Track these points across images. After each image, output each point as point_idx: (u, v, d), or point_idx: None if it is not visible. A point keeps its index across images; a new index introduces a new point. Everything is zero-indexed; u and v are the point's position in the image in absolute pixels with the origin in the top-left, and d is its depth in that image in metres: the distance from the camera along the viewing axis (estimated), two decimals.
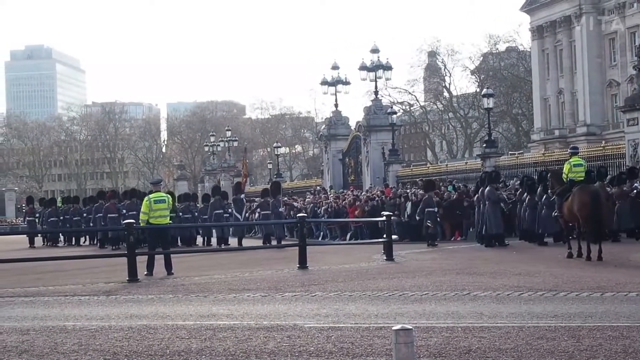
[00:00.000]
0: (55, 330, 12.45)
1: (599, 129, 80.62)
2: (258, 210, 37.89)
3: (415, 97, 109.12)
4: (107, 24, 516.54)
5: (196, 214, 38.50)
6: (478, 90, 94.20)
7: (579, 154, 25.58)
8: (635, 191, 28.88)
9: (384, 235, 24.98)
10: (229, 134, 76.95)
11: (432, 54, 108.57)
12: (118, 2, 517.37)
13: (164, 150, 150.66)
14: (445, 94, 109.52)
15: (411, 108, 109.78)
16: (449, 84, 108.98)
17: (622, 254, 23.09)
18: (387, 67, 50.54)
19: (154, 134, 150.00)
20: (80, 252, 36.94)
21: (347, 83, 55.64)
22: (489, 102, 44.31)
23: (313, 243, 32.87)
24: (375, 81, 51.22)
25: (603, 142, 45.33)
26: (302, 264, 22.31)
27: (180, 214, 37.15)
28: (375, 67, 50.22)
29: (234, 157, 76.47)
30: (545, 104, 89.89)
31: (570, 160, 23.46)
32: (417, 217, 32.73)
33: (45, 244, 45.00)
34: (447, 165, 51.86)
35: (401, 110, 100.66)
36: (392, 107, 56.06)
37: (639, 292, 14.59)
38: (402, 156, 62.24)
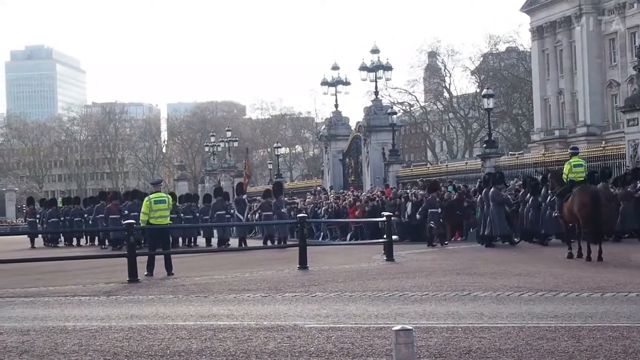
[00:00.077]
0: (56, 331, 12.45)
1: (599, 130, 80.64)
2: (260, 211, 37.82)
3: (416, 97, 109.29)
4: (107, 24, 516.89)
5: (197, 214, 38.52)
6: (478, 90, 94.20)
7: (579, 154, 25.57)
8: None
9: (384, 236, 24.98)
10: (229, 134, 76.94)
11: (432, 55, 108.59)
12: (118, 2, 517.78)
13: (164, 150, 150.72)
14: (446, 94, 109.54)
15: (411, 108, 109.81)
16: (449, 85, 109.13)
17: (622, 254, 23.11)
18: (387, 68, 50.54)
19: (154, 135, 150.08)
20: (81, 252, 36.98)
21: (347, 83, 55.65)
22: (489, 103, 44.32)
23: (313, 243, 32.89)
24: (376, 81, 51.23)
25: (603, 142, 45.34)
26: (303, 264, 22.31)
27: (182, 214, 37.20)
28: (376, 68, 50.22)
29: (234, 157, 76.51)
30: (546, 105, 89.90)
31: (571, 160, 23.45)
32: (418, 216, 32.62)
33: (46, 244, 45.00)
34: (447, 165, 51.86)
35: (401, 111, 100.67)
36: (392, 108, 56.05)
37: (639, 293, 14.59)
38: (402, 156, 62.23)
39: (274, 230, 35.09)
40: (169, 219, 23.34)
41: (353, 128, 54.18)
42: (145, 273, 21.44)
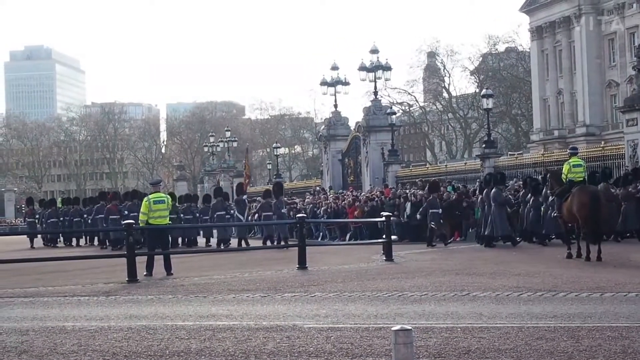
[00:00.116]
0: (55, 331, 12.45)
1: (598, 130, 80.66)
2: (261, 212, 37.77)
3: (415, 97, 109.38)
4: (106, 25, 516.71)
5: (197, 215, 38.53)
6: (477, 90, 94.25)
7: (578, 154, 25.57)
8: None
9: (384, 236, 24.99)
10: (228, 134, 76.93)
11: (432, 55, 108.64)
12: (118, 2, 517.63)
13: (163, 150, 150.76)
14: (445, 94, 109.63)
15: (410, 108, 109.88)
16: (449, 85, 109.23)
17: (621, 254, 23.11)
18: (387, 68, 50.53)
19: (153, 135, 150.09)
20: (80, 252, 36.98)
21: (346, 83, 55.64)
22: (488, 103, 44.30)
23: (312, 243, 32.87)
24: (375, 82, 51.24)
25: (602, 142, 45.33)
26: (302, 264, 22.31)
27: (182, 214, 37.22)
28: (375, 68, 50.20)
29: (234, 157, 76.49)
30: (545, 105, 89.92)
31: (570, 160, 23.45)
32: (419, 217, 32.56)
33: (45, 244, 44.99)
34: (446, 165, 51.83)
35: (400, 111, 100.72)
36: (391, 108, 55.99)
37: (638, 293, 14.59)
38: (402, 157, 62.26)
39: (273, 231, 35.08)
40: (168, 219, 23.34)
41: (352, 128, 54.16)
42: (145, 273, 21.45)
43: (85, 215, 43.54)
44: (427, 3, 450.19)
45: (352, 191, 45.04)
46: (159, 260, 22.26)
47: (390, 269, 21.74)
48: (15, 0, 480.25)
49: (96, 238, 42.17)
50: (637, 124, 33.66)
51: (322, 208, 41.78)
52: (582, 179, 23.05)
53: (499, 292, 15.32)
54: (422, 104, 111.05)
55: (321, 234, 42.07)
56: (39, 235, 46.62)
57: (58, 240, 45.53)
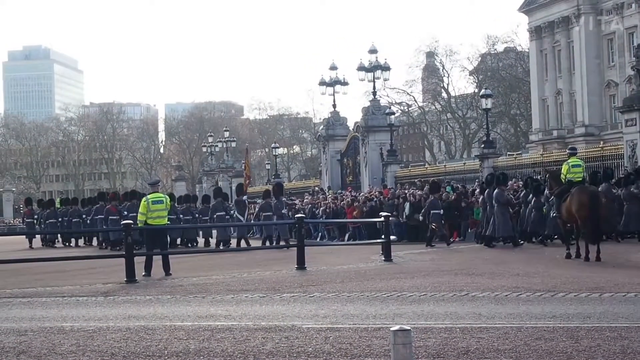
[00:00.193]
0: (53, 331, 12.44)
1: (597, 130, 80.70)
2: (260, 213, 37.70)
3: (414, 97, 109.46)
4: (105, 25, 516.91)
5: (197, 215, 38.51)
6: (476, 90, 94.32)
7: (577, 154, 25.57)
8: None
9: (382, 236, 24.99)
10: (227, 134, 76.92)
11: (431, 55, 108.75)
12: (116, 2, 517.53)
13: (162, 150, 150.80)
14: (444, 94, 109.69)
15: (409, 109, 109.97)
16: (447, 85, 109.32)
17: (620, 254, 23.12)
18: (386, 68, 50.53)
19: (151, 135, 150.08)
20: (79, 253, 36.98)
21: (345, 83, 55.66)
22: (487, 103, 44.29)
23: (311, 244, 32.89)
24: (374, 82, 51.23)
25: (601, 142, 45.32)
26: (301, 264, 22.30)
27: (181, 215, 37.22)
28: (374, 68, 50.20)
29: (232, 157, 76.47)
30: (544, 105, 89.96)
31: (569, 160, 23.46)
32: (421, 218, 32.44)
33: (44, 245, 44.96)
34: (445, 165, 51.83)
35: (399, 111, 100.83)
36: (390, 108, 56.08)
37: (637, 293, 14.59)
38: (401, 157, 62.28)
39: (273, 231, 35.04)
40: (166, 219, 23.33)
41: (351, 128, 54.18)
42: (143, 273, 21.44)
43: (84, 216, 43.54)
44: (426, 3, 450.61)
45: (350, 191, 45.05)
46: (157, 260, 22.25)
47: (389, 269, 21.73)
48: (13, 0, 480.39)
49: (95, 238, 42.15)
50: (636, 124, 33.66)
51: (321, 208, 41.78)
52: (581, 179, 23.06)
53: (498, 293, 15.32)
54: (421, 104, 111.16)
55: (320, 234, 42.07)
56: (38, 236, 46.58)
57: (56, 240, 45.48)
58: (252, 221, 40.59)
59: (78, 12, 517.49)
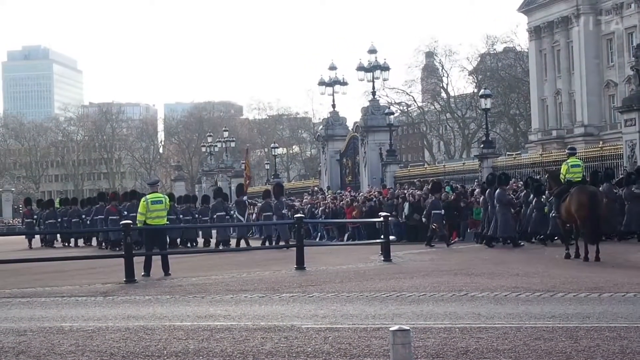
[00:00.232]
0: (53, 331, 12.43)
1: (597, 130, 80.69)
2: (261, 213, 37.64)
3: (413, 97, 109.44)
4: (104, 24, 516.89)
5: (197, 215, 38.49)
6: (475, 90, 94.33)
7: (577, 154, 25.56)
8: None
9: (382, 236, 25.00)
10: (226, 134, 76.93)
11: (430, 55, 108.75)
12: (116, 2, 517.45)
13: (161, 150, 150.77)
14: (443, 94, 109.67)
15: (409, 109, 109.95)
16: (447, 85, 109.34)
17: (620, 254, 23.12)
18: (385, 68, 50.52)
19: (151, 135, 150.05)
20: (78, 253, 36.97)
21: (344, 83, 55.66)
22: (486, 103, 44.27)
23: (310, 244, 32.87)
24: (373, 82, 51.22)
25: (601, 142, 45.31)
26: (300, 264, 22.31)
27: (181, 215, 37.22)
28: (373, 68, 50.19)
29: (232, 157, 76.48)
30: (543, 105, 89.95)
31: (568, 160, 23.46)
32: (424, 220, 32.23)
33: (43, 245, 44.94)
34: (444, 165, 51.82)
35: (399, 111, 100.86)
36: (389, 108, 56.10)
37: (636, 293, 14.59)
38: (400, 157, 62.22)
39: (272, 231, 35.00)
40: (165, 219, 23.32)
41: (350, 128, 54.18)
42: (142, 273, 21.43)
43: (83, 216, 43.53)
44: (425, 3, 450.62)
45: (350, 191, 45.03)
46: (156, 260, 22.25)
47: (389, 269, 21.73)
48: (12, 0, 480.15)
49: (94, 239, 42.14)
50: (635, 124, 33.67)
51: (320, 208, 41.76)
52: (580, 179, 23.05)
53: (497, 293, 15.31)
54: (420, 104, 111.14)
55: (319, 234, 42.06)
56: (37, 236, 46.56)
57: (55, 240, 45.45)
58: (252, 221, 40.58)
59: (77, 12, 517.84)
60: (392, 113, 52.97)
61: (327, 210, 40.93)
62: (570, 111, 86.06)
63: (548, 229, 28.07)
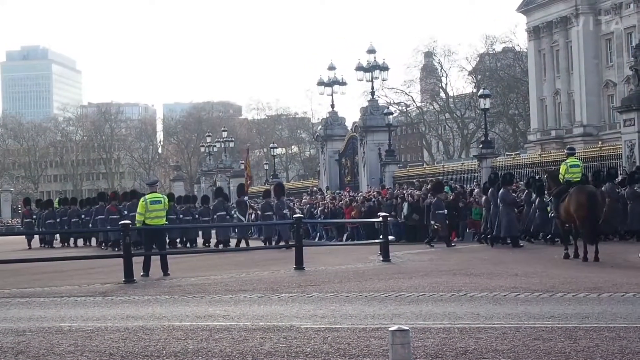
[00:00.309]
0: (52, 331, 12.43)
1: (596, 130, 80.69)
2: (260, 213, 37.62)
3: (412, 97, 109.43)
4: (103, 25, 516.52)
5: (197, 216, 38.48)
6: (474, 90, 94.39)
7: (576, 154, 25.56)
8: None
9: (381, 236, 24.99)
10: (225, 134, 76.94)
11: (429, 55, 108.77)
12: (115, 2, 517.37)
13: (160, 151, 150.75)
14: (442, 94, 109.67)
15: (408, 109, 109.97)
16: (446, 85, 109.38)
17: (619, 254, 23.12)
18: (384, 68, 50.54)
19: (150, 135, 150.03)
20: (77, 253, 36.97)
21: (343, 84, 55.70)
22: (485, 103, 44.26)
23: (309, 244, 32.87)
24: (372, 82, 51.22)
25: (600, 142, 45.34)
26: (299, 264, 22.30)
27: (181, 215, 37.20)
28: (372, 68, 50.20)
29: (231, 157, 76.49)
30: (542, 105, 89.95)
31: (567, 161, 23.46)
32: (432, 221, 31.83)
33: (42, 245, 44.91)
34: (443, 165, 51.85)
35: (398, 111, 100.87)
36: (388, 108, 56.12)
37: (635, 293, 14.59)
38: (399, 157, 62.23)
39: (272, 232, 34.97)
40: (164, 219, 23.32)
41: (349, 128, 54.21)
42: (142, 273, 21.43)
43: (82, 216, 43.51)
44: (425, 3, 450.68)
45: (349, 191, 45.05)
46: (155, 260, 22.24)
47: (388, 269, 21.73)
48: (11, 0, 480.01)
49: (94, 239, 42.12)
50: (634, 124, 33.69)
51: (319, 208, 41.76)
52: (579, 179, 23.05)
53: (497, 293, 15.31)
54: (419, 104, 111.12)
55: (318, 234, 42.07)
56: (36, 236, 46.53)
57: (54, 240, 45.42)
58: (252, 221, 40.56)
59: (76, 12, 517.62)
60: (391, 113, 52.99)
61: (326, 210, 40.94)
62: (569, 111, 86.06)
63: (552, 229, 28.03)
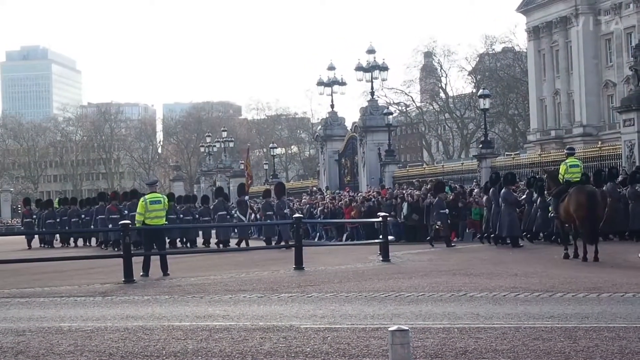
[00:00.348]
0: (51, 331, 12.43)
1: (595, 130, 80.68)
2: (262, 213, 37.62)
3: (412, 97, 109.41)
4: (103, 25, 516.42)
5: (197, 215, 38.47)
6: (474, 90, 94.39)
7: (575, 154, 25.56)
8: None
9: (380, 236, 24.99)
10: (224, 134, 76.94)
11: (428, 55, 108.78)
12: (115, 2, 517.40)
13: (159, 151, 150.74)
14: (442, 94, 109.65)
15: (407, 109, 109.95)
16: (445, 85, 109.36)
17: (619, 254, 23.12)
18: (383, 68, 50.54)
19: (149, 135, 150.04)
20: (77, 253, 36.97)
21: (343, 84, 55.72)
22: (485, 103, 44.27)
23: (309, 244, 32.87)
24: (372, 82, 51.23)
25: (599, 142, 45.35)
26: (299, 264, 22.30)
27: (182, 215, 37.20)
28: (372, 68, 50.22)
29: (230, 157, 76.49)
30: (542, 105, 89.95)
31: (567, 161, 23.46)
32: (435, 221, 31.81)
33: (42, 245, 44.91)
34: (443, 166, 51.86)
35: (397, 111, 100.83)
36: (388, 108, 56.12)
37: (635, 293, 14.59)
38: (398, 157, 62.26)
39: (272, 232, 34.96)
40: (164, 219, 23.32)
41: (349, 128, 54.23)
42: (141, 274, 21.43)
43: (82, 216, 43.50)
44: (424, 3, 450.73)
45: (348, 191, 45.05)
46: (155, 260, 22.24)
47: (387, 269, 21.73)
48: (11, 0, 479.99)
49: (94, 239, 42.11)
50: (634, 124, 33.70)
51: (319, 208, 41.77)
52: (579, 179, 23.05)
53: (496, 293, 15.31)
54: (419, 104, 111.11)
55: (318, 234, 42.07)
56: (36, 236, 46.53)
57: (54, 240, 45.41)
58: (252, 221, 40.56)
59: (76, 12, 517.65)
60: (391, 113, 52.99)
61: (325, 210, 40.94)
62: (569, 111, 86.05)
63: (553, 229, 28.01)
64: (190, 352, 10.45)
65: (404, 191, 38.41)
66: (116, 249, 33.88)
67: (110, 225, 36.58)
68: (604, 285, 15.94)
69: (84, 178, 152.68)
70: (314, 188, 53.33)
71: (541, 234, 29.48)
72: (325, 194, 47.14)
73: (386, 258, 24.00)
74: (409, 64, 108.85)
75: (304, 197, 47.77)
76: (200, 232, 39.10)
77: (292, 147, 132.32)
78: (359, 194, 42.71)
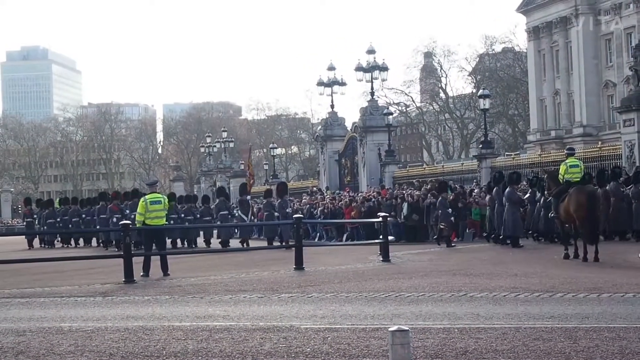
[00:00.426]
0: (52, 332, 12.43)
1: (595, 130, 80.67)
2: (264, 212, 37.61)
3: (412, 98, 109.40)
4: (103, 25, 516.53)
5: (198, 215, 38.48)
6: (474, 91, 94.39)
7: (575, 155, 25.57)
8: None
9: (380, 236, 24.99)
10: (225, 134, 76.98)
11: (428, 55, 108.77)
12: (115, 2, 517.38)
13: (160, 151, 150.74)
14: (442, 94, 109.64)
15: (407, 109, 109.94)
16: (445, 85, 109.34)
17: (619, 254, 23.12)
18: (383, 68, 50.56)
19: (150, 135, 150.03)
20: (77, 253, 36.98)
21: (343, 84, 55.74)
22: (485, 103, 44.31)
23: (309, 244, 32.86)
24: (372, 82, 51.25)
25: (599, 142, 45.36)
26: (299, 265, 22.30)
27: (183, 215, 37.21)
28: (372, 68, 50.24)
29: (230, 158, 76.53)
30: (542, 105, 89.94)
31: (567, 161, 23.47)
32: (441, 222, 31.81)
33: (42, 245, 44.92)
34: (443, 166, 51.88)
35: (397, 111, 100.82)
36: (388, 108, 56.14)
37: (635, 293, 14.59)
38: (398, 157, 62.31)
39: (273, 232, 34.95)
40: (164, 219, 23.33)
41: (349, 129, 54.25)
42: (141, 274, 21.43)
43: (83, 216, 43.50)
44: (424, 3, 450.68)
45: (349, 192, 45.05)
46: (155, 260, 22.25)
47: (387, 269, 21.73)
48: (11, 0, 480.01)
49: (94, 239, 42.11)
50: (634, 125, 33.71)
51: (319, 208, 41.76)
52: (579, 179, 23.06)
53: (496, 293, 15.31)
54: (419, 105, 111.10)
55: (318, 234, 42.06)
56: (37, 236, 46.54)
57: (55, 240, 45.42)
58: (255, 221, 40.55)
59: (76, 12, 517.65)
60: (391, 113, 53.02)
61: (325, 210, 40.93)
62: (569, 111, 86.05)
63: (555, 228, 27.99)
64: (191, 352, 10.45)
65: (404, 191, 38.41)
66: (116, 249, 33.89)
67: (112, 225, 36.66)
68: (604, 286, 15.94)
69: (84, 178, 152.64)
70: (314, 188, 53.33)
71: (541, 238, 29.45)
72: (325, 194, 47.13)
73: (386, 258, 24.00)
74: (409, 64, 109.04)
75: (304, 197, 47.75)
76: (202, 232, 39.08)
77: (292, 147, 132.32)
78: (359, 194, 42.71)
